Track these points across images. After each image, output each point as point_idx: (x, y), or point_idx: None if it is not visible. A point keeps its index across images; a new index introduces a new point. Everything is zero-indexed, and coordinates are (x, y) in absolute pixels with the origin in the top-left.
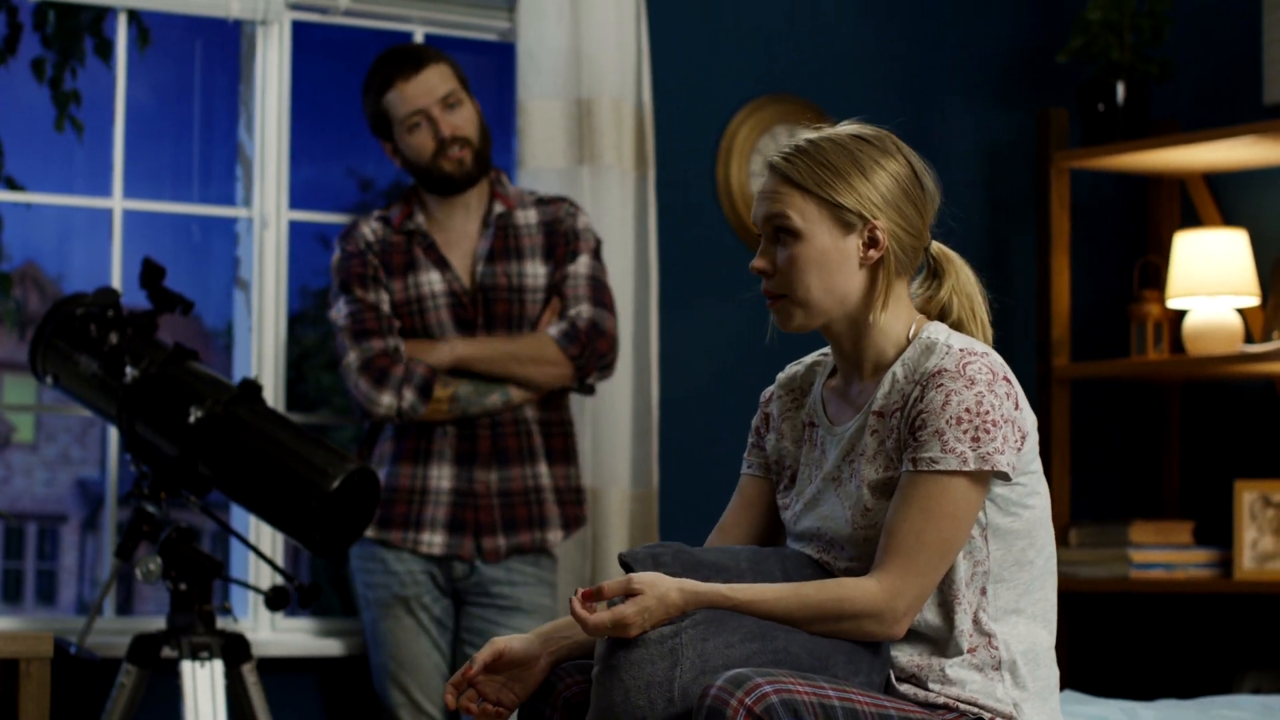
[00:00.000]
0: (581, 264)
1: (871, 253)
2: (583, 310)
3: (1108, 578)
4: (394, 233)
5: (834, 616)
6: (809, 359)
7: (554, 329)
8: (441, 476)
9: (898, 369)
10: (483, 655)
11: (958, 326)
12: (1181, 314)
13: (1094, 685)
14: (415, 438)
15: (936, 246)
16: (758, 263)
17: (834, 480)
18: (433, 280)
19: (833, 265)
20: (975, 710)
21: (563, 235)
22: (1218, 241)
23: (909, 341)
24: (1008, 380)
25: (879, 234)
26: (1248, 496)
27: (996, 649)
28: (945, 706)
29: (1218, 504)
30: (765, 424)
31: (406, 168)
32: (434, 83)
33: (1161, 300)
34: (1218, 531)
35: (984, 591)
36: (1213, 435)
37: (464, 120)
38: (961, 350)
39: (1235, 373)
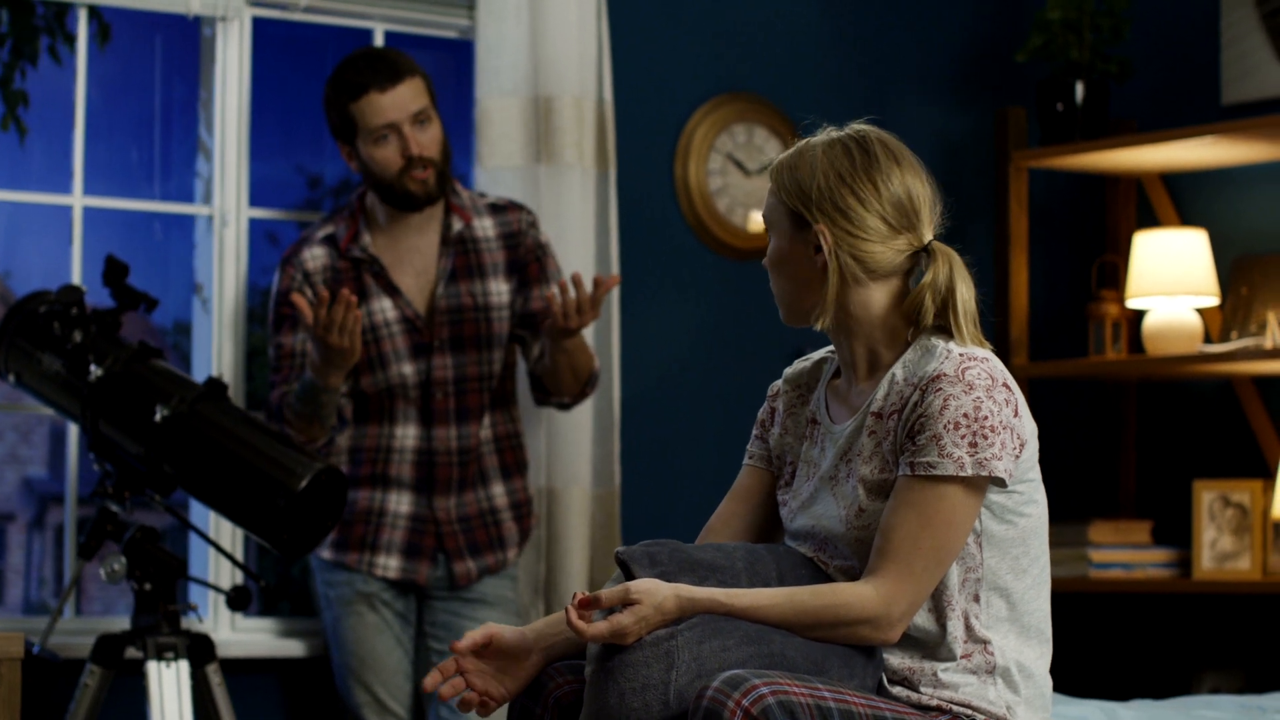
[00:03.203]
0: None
1: (819, 256)
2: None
3: (1067, 577)
4: (340, 258)
5: (830, 623)
6: (817, 355)
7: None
8: (401, 501)
9: (897, 370)
10: (474, 634)
11: (943, 327)
12: (1139, 314)
13: (1054, 684)
14: (372, 463)
15: (936, 245)
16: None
17: (830, 480)
18: (385, 308)
19: (792, 266)
20: (969, 713)
21: (528, 251)
22: (1178, 241)
23: (908, 343)
24: (1007, 387)
25: (819, 238)
26: (1207, 496)
27: (992, 654)
28: (938, 709)
29: (1176, 504)
30: (771, 417)
31: (364, 175)
32: (408, 98)
33: (1120, 300)
34: (1176, 531)
35: (977, 598)
36: (1171, 435)
37: (431, 140)
38: (961, 355)
39: (1194, 373)
